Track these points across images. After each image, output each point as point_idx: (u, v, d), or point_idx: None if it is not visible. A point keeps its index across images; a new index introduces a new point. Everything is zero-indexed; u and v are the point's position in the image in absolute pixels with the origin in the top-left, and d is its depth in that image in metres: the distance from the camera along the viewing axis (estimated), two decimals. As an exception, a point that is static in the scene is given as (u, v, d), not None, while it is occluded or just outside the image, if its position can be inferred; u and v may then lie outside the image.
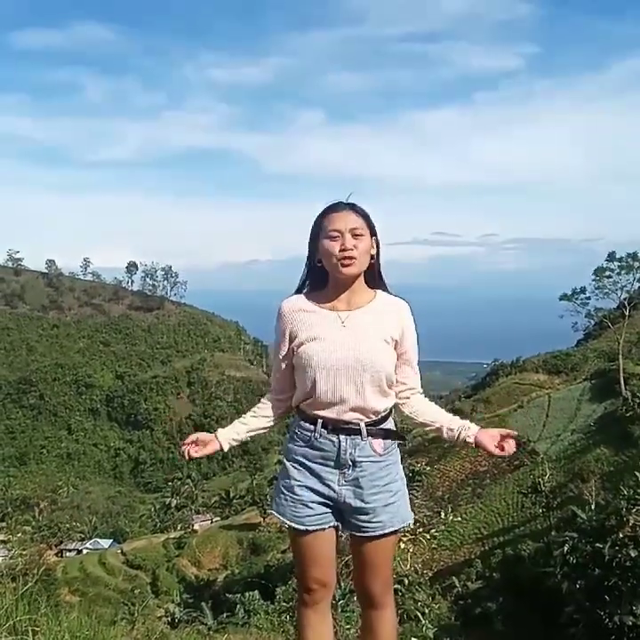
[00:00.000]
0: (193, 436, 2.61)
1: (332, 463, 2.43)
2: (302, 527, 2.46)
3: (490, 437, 2.47)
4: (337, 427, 2.42)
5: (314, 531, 2.46)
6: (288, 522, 2.48)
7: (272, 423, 2.65)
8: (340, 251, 2.37)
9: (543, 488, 40.57)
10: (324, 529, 2.47)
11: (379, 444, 2.44)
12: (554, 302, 62.05)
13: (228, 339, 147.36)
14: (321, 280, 2.50)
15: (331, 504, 2.47)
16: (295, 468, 2.48)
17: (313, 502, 2.45)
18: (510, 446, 2.43)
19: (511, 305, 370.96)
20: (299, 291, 2.56)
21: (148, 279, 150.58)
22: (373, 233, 2.46)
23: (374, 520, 2.44)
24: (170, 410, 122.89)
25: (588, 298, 59.96)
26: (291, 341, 2.47)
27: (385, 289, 2.55)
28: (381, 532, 2.45)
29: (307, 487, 2.46)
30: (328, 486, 2.44)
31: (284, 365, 2.52)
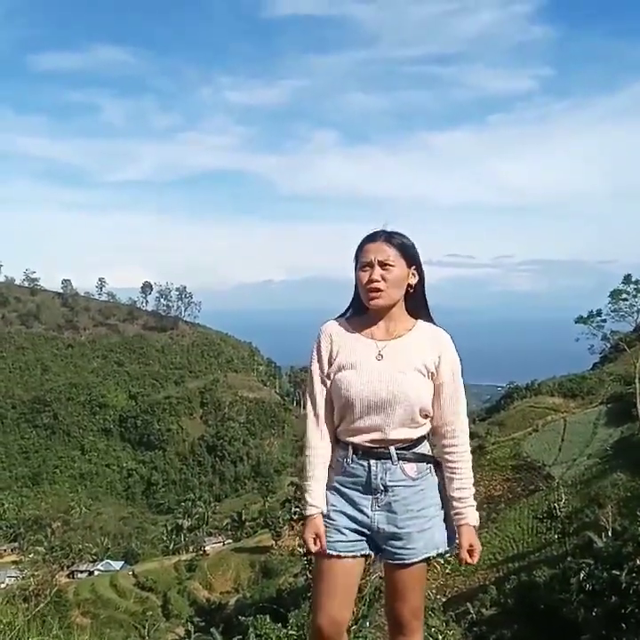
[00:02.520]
0: (311, 535, 2.45)
1: (364, 488, 2.43)
2: (334, 552, 2.43)
3: (466, 541, 2.42)
4: (367, 451, 2.43)
5: (344, 557, 2.44)
6: (331, 548, 2.45)
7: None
8: (367, 282, 2.42)
9: (559, 513, 40.06)
10: (355, 556, 2.45)
11: (411, 468, 2.43)
12: (569, 325, 61.66)
13: (242, 359, 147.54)
14: (364, 305, 2.52)
15: (365, 532, 2.45)
16: (332, 494, 2.48)
17: (347, 528, 2.44)
18: (471, 558, 2.41)
19: (526, 327, 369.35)
20: (344, 314, 2.59)
21: (162, 299, 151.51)
22: (412, 263, 2.47)
23: (408, 546, 2.42)
24: (183, 431, 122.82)
25: (604, 320, 59.58)
26: (329, 365, 2.50)
27: (428, 319, 2.55)
28: (415, 560, 2.42)
29: (342, 512, 2.46)
30: (362, 512, 2.44)
31: (324, 387, 2.51)
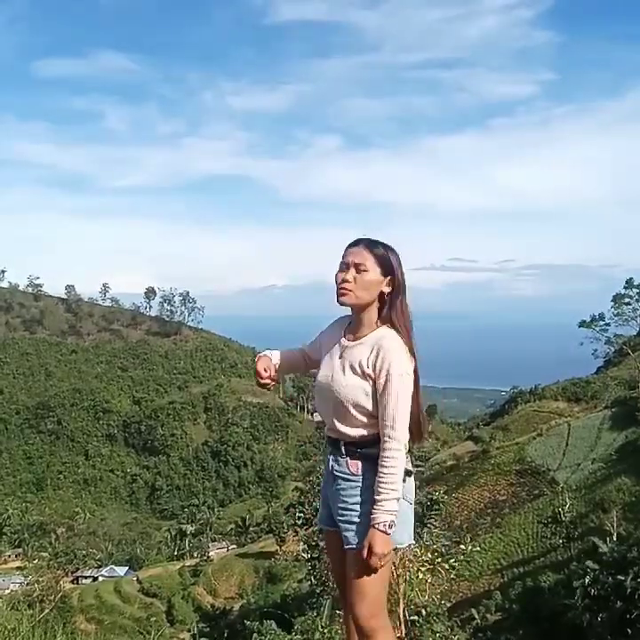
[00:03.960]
0: (261, 366, 2.76)
1: (328, 474, 2.74)
2: (318, 522, 2.90)
3: (367, 541, 2.47)
4: (329, 441, 2.73)
5: (325, 530, 2.83)
6: (317, 519, 3.01)
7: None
8: (340, 281, 2.61)
9: (563, 518, 39.94)
10: (329, 531, 2.78)
11: (354, 464, 2.62)
12: (573, 329, 61.62)
13: (245, 364, 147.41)
14: None
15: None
16: (323, 475, 2.85)
17: (325, 505, 2.80)
18: (368, 558, 2.45)
19: (529, 331, 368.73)
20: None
21: (165, 305, 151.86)
22: (389, 273, 2.60)
23: (343, 534, 2.62)
24: (186, 436, 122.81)
25: (608, 324, 59.56)
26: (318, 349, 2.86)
27: (399, 330, 2.60)
28: (349, 547, 2.58)
29: (323, 491, 2.86)
30: (326, 494, 2.79)
31: (314, 346, 2.87)
